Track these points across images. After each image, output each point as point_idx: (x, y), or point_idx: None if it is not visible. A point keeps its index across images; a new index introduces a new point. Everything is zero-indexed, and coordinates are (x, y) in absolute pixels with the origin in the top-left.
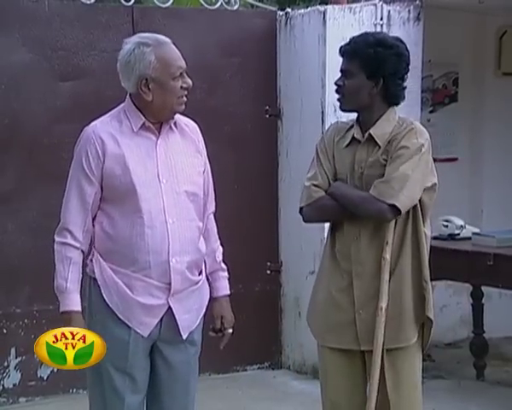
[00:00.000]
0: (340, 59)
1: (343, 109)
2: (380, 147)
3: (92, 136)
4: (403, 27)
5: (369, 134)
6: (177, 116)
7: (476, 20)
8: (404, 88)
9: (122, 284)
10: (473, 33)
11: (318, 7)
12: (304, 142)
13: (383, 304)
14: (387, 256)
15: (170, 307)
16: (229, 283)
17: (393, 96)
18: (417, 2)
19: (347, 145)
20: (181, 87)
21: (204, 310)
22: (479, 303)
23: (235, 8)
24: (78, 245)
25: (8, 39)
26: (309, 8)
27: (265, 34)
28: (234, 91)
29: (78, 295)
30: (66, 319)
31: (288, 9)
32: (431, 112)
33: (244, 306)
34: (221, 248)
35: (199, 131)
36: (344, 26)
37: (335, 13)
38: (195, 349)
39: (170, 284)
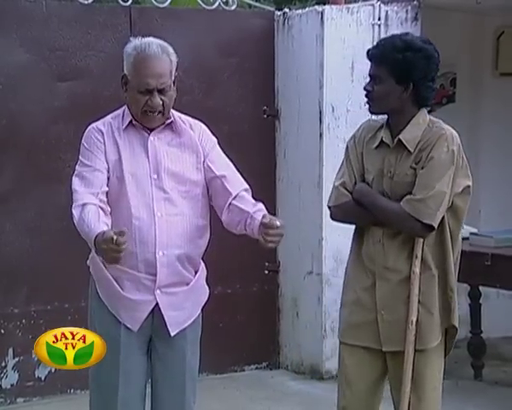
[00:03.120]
0: (338, 59)
1: (372, 112)
2: (410, 152)
3: (95, 127)
4: (400, 28)
5: (399, 139)
6: (178, 115)
7: (474, 21)
8: (435, 89)
9: (112, 279)
10: (470, 34)
11: (316, 7)
12: (301, 142)
13: (413, 318)
14: (417, 270)
15: (157, 303)
16: (227, 284)
17: (424, 99)
18: (415, 2)
19: (376, 147)
20: (146, 103)
21: (199, 309)
22: (476, 303)
23: (233, 8)
24: (95, 202)
25: (6, 40)
26: (307, 9)
27: (263, 34)
28: (232, 92)
29: (101, 226)
30: (98, 242)
31: (286, 10)
32: (429, 112)
33: (242, 306)
34: (262, 205)
35: (202, 128)
36: (342, 26)
37: (333, 13)
38: (190, 347)
39: (156, 275)
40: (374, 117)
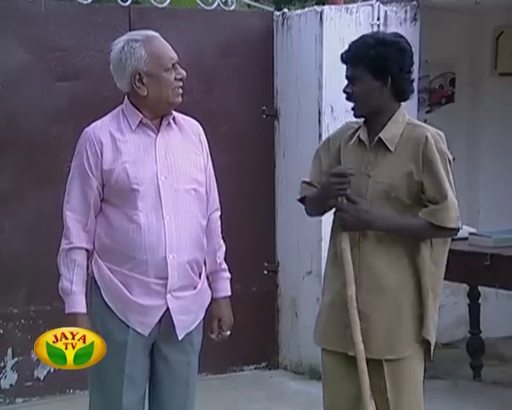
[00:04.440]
0: (337, 59)
1: (357, 116)
2: (390, 151)
3: (92, 135)
4: (399, 28)
5: (379, 138)
6: (177, 114)
7: (473, 21)
8: (413, 81)
9: (120, 284)
10: (469, 34)
11: (315, 7)
12: (301, 142)
13: (349, 292)
14: (343, 245)
15: (168, 307)
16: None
17: (404, 92)
18: (414, 2)
19: (354, 146)
20: (175, 78)
21: (204, 312)
22: (475, 303)
23: (232, 8)
24: (82, 245)
25: (5, 40)
26: (306, 9)
27: (262, 35)
28: (231, 92)
29: (84, 297)
30: (71, 320)
31: (285, 10)
32: (428, 112)
33: (241, 306)
34: (223, 249)
35: (200, 130)
36: (341, 26)
37: (332, 13)
38: (195, 350)
39: (167, 279)
40: (339, 120)
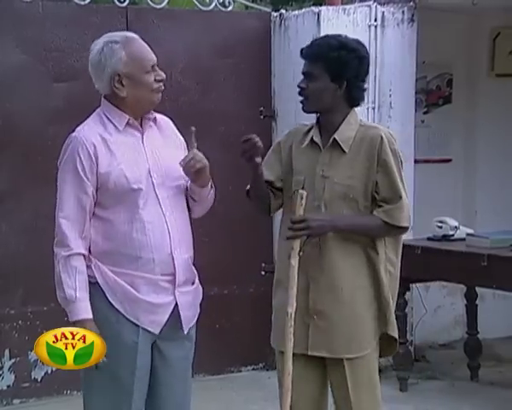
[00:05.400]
0: None
1: (306, 111)
2: (344, 152)
3: (83, 139)
4: (397, 28)
5: (334, 139)
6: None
7: (470, 22)
8: (365, 90)
9: (126, 284)
10: (467, 35)
11: (312, 8)
12: None
13: (290, 310)
14: (293, 262)
15: (176, 303)
16: (223, 285)
17: (355, 99)
18: (411, 3)
19: (306, 148)
20: (155, 80)
21: (199, 308)
22: (473, 304)
23: (230, 9)
24: (81, 251)
25: (2, 40)
26: (303, 10)
27: (260, 35)
28: (228, 93)
29: (88, 303)
30: (77, 325)
31: (283, 10)
32: (425, 113)
33: (238, 307)
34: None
35: (172, 125)
36: (338, 27)
37: (329, 14)
38: (191, 346)
39: (173, 275)
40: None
